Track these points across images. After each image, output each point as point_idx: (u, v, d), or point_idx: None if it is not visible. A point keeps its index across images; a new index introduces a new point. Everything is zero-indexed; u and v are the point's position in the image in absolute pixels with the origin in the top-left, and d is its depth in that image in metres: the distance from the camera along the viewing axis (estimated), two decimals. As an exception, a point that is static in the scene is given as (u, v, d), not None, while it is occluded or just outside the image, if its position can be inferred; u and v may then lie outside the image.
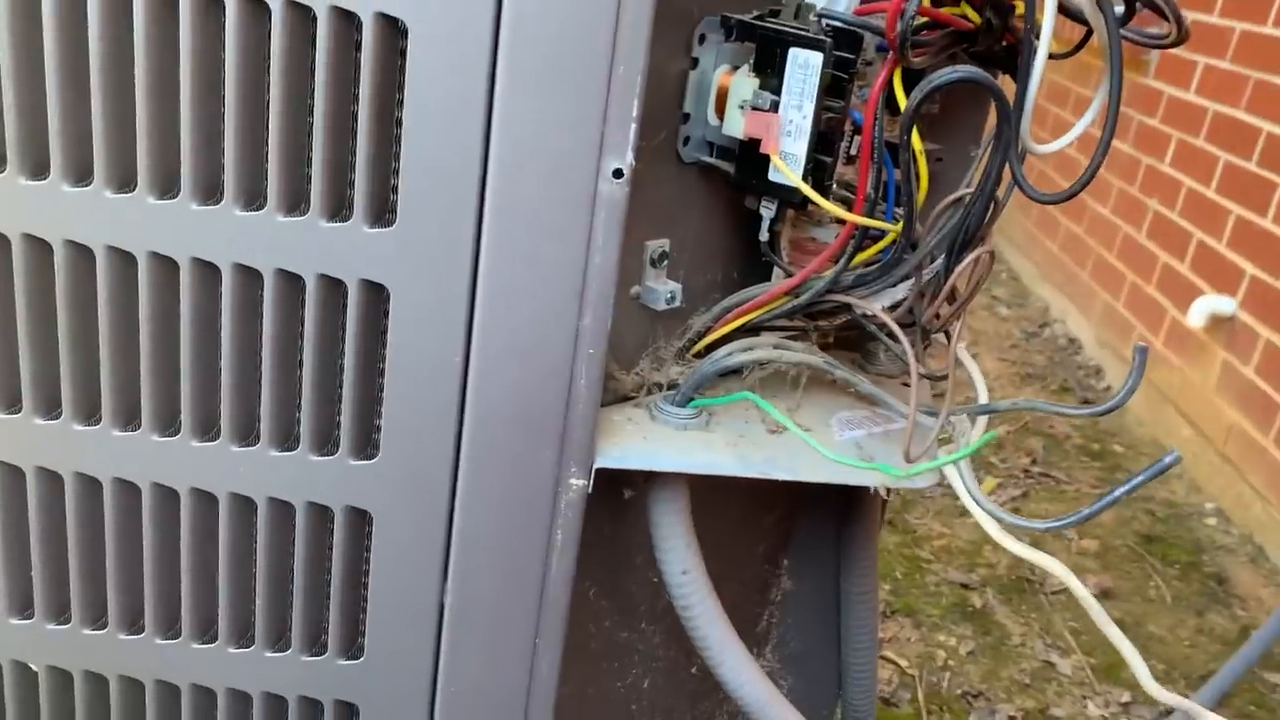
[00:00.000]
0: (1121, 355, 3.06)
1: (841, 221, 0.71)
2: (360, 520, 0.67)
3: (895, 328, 0.68)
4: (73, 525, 0.67)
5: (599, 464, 0.66)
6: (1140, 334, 2.96)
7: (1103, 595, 2.10)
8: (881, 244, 0.69)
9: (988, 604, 2.04)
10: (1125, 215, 3.14)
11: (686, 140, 0.69)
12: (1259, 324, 2.39)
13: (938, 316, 0.70)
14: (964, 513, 2.34)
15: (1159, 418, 2.79)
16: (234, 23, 0.56)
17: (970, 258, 0.65)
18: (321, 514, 0.66)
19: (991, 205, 0.64)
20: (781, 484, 0.88)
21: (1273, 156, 2.42)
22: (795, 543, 0.96)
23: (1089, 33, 0.62)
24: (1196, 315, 2.58)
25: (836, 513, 0.93)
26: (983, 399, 0.76)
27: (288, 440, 0.65)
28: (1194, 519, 2.43)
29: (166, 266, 0.61)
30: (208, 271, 0.61)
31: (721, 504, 0.83)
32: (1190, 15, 0.60)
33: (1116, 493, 0.62)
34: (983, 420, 0.72)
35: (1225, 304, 2.51)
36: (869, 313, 0.70)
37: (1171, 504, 2.48)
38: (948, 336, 0.73)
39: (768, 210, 0.69)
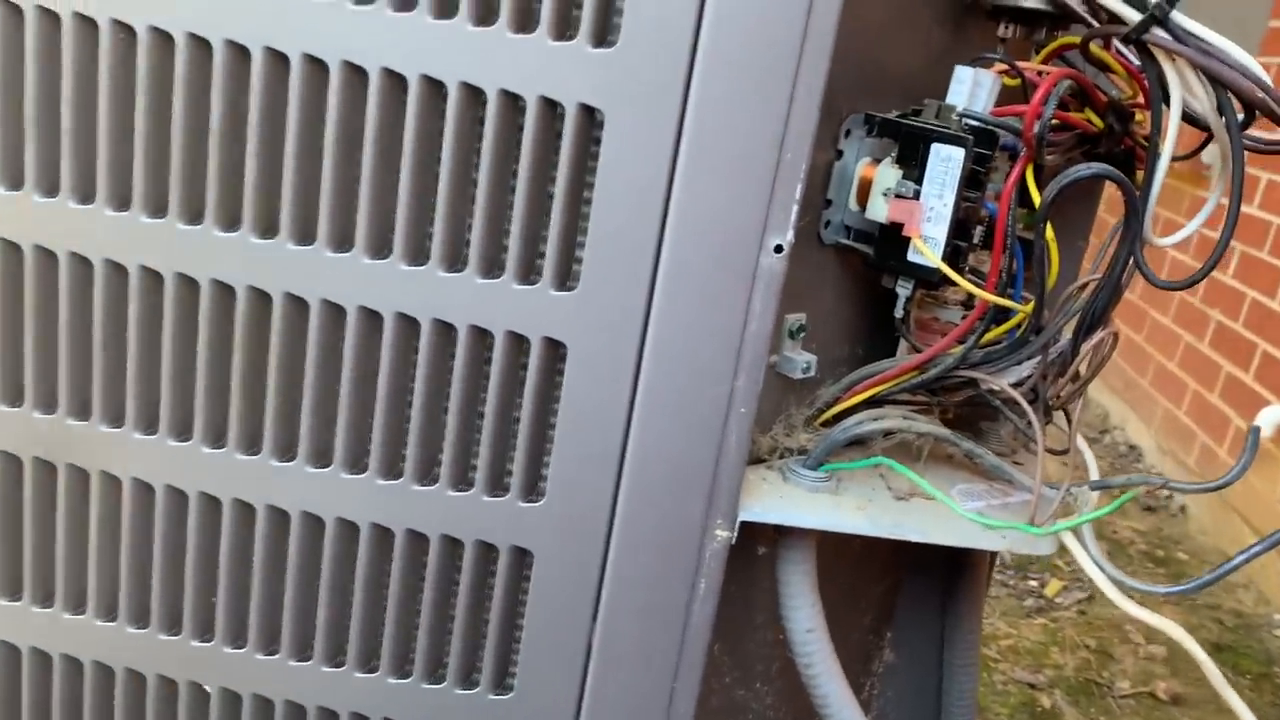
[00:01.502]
0: (1183, 463, 3.06)
1: (968, 305, 0.77)
2: (521, 560, 0.72)
3: (1023, 402, 0.73)
4: (225, 550, 0.73)
5: (741, 518, 0.71)
6: (1204, 442, 2.96)
7: (1173, 702, 2.08)
8: (1008, 325, 0.74)
9: (1055, 705, 2.03)
10: (1187, 325, 3.17)
11: (828, 224, 0.76)
12: (1328, 435, 2.39)
13: (1059, 396, 0.75)
14: (1029, 614, 2.35)
15: (1223, 527, 2.78)
16: (453, 109, 0.64)
17: (1095, 339, 0.70)
18: (487, 552, 0.72)
19: (1116, 291, 0.70)
20: (890, 556, 0.92)
21: (1339, 270, 2.46)
22: (900, 615, 0.99)
23: (1209, 137, 0.68)
24: (1263, 425, 2.58)
25: (942, 586, 0.97)
26: (1093, 475, 0.80)
27: (463, 482, 0.71)
28: (1264, 629, 2.40)
29: (371, 320, 0.68)
30: (408, 326, 0.68)
31: (832, 573, 0.87)
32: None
33: (1236, 560, 0.66)
34: (1094, 495, 0.77)
35: (1293, 414, 2.52)
36: (996, 387, 0.75)
37: (1240, 614, 2.46)
38: (1066, 415, 0.78)
39: (904, 289, 0.75)
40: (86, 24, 0.65)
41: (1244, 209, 2.94)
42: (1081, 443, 0.80)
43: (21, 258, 0.70)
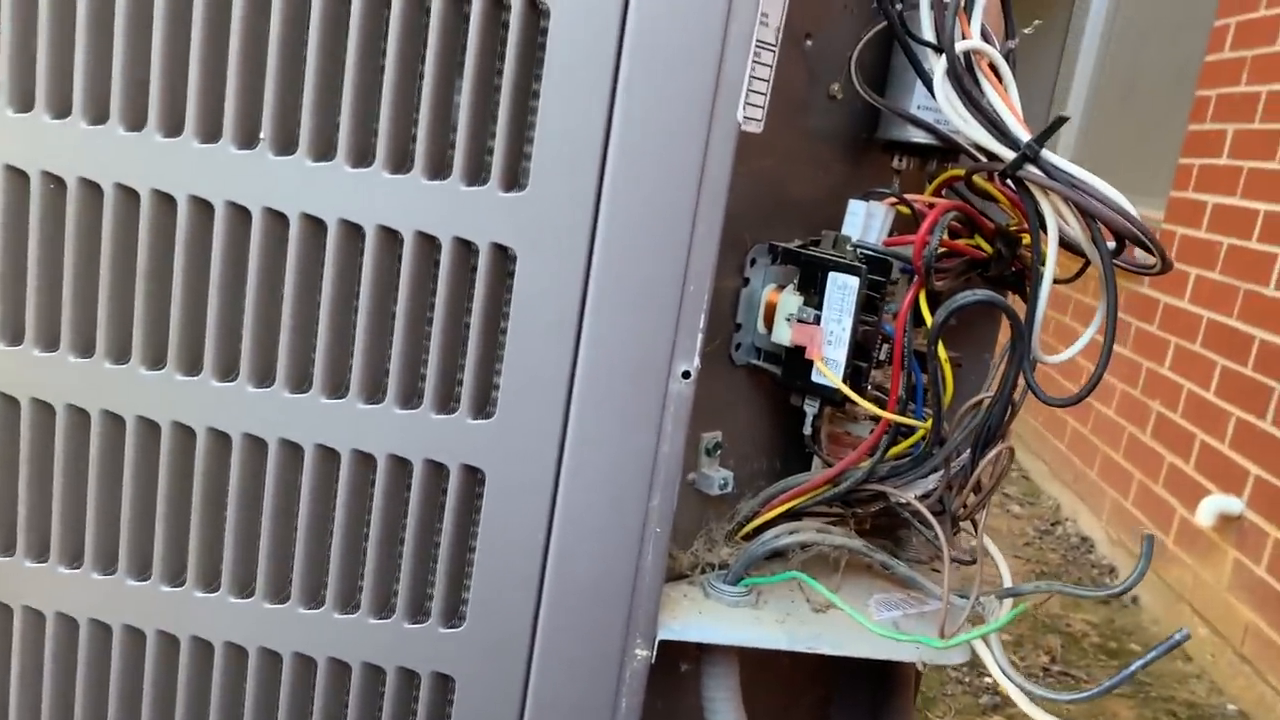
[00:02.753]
0: (1133, 553, 3.10)
1: (876, 419, 0.81)
2: (444, 686, 0.73)
3: (928, 514, 0.76)
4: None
5: (661, 636, 0.73)
6: (1150, 532, 3.01)
7: (1131, 799, 2.07)
8: (912, 439, 0.78)
9: (1014, 806, 2.02)
10: (1129, 416, 3.24)
11: (738, 346, 0.79)
12: (1267, 523, 2.45)
13: (965, 506, 0.78)
14: (985, 711, 2.34)
15: (1174, 616, 2.80)
16: (371, 250, 0.67)
17: (993, 453, 0.74)
18: (410, 679, 0.73)
19: (1009, 407, 0.74)
20: (819, 666, 0.94)
21: (1267, 362, 2.55)
22: (832, 723, 1.00)
23: (1087, 263, 0.73)
24: (1205, 514, 2.64)
25: (871, 695, 0.98)
26: (1007, 583, 0.83)
27: (384, 609, 0.72)
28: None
29: (292, 452, 0.70)
30: (328, 456, 0.70)
31: (760, 687, 0.88)
32: (1179, 230, 0.71)
33: (1133, 666, 0.68)
34: (1008, 601, 0.79)
35: (1232, 504, 2.58)
36: (903, 500, 0.78)
37: (1193, 704, 2.47)
38: (974, 524, 0.81)
39: (810, 408, 0.78)
40: (18, 175, 0.68)
41: (1176, 303, 3.05)
42: (993, 548, 0.83)
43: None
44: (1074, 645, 2.69)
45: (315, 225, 0.67)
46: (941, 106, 0.69)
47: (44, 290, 0.70)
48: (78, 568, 0.73)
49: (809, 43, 0.77)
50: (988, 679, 2.48)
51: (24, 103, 0.68)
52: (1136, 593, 2.97)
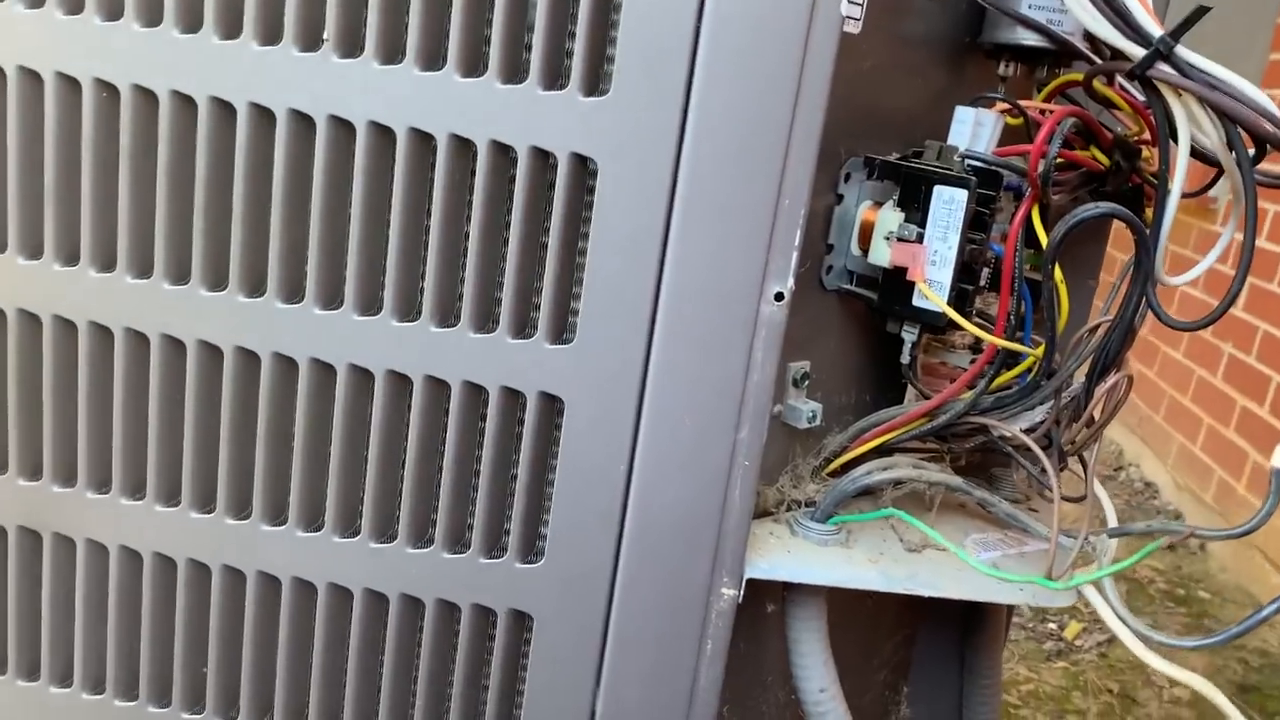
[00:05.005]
0: (1201, 499, 3.02)
1: (976, 348, 0.75)
2: (520, 624, 0.69)
3: (1036, 449, 0.71)
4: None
5: (748, 575, 0.69)
6: (1221, 478, 2.92)
7: (1201, 747, 2.02)
8: (1019, 369, 0.72)
9: (1080, 753, 1.98)
10: (1199, 359, 3.14)
11: (829, 269, 0.74)
12: (1348, 469, 2.35)
13: (1073, 441, 0.73)
14: (1050, 657, 2.30)
15: (1244, 565, 2.72)
16: (443, 162, 0.63)
17: (1110, 382, 0.68)
18: (484, 616, 0.69)
19: (1129, 333, 0.68)
20: (903, 608, 0.89)
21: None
22: (916, 669, 0.96)
23: (1219, 173, 0.67)
24: (1281, 459, 2.54)
25: (959, 638, 0.94)
26: (1112, 522, 0.78)
27: (458, 544, 0.68)
28: (1290, 670, 2.35)
29: (361, 378, 0.66)
30: (399, 383, 0.66)
31: (844, 628, 0.84)
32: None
33: (1266, 610, 0.63)
34: (1113, 542, 0.74)
35: (1311, 448, 2.48)
36: (1008, 434, 0.73)
37: (1266, 653, 2.40)
38: (1081, 460, 0.75)
39: (909, 334, 0.73)
40: (70, 84, 0.65)
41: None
42: (1099, 488, 0.78)
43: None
44: (1140, 592, 2.63)
45: (383, 135, 0.63)
46: (1068, 3, 0.62)
47: (99, 205, 0.66)
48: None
49: (911, -63, 0.71)
50: (1051, 624, 2.43)
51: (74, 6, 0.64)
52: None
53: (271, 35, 0.62)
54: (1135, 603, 2.57)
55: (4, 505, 0.71)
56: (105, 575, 0.72)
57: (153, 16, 0.63)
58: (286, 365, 0.66)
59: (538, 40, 0.61)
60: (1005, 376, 0.72)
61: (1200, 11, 0.60)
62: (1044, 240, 0.68)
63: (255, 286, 0.66)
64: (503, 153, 0.63)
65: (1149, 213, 0.72)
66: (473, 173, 0.63)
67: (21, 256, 0.67)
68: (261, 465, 0.68)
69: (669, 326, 0.64)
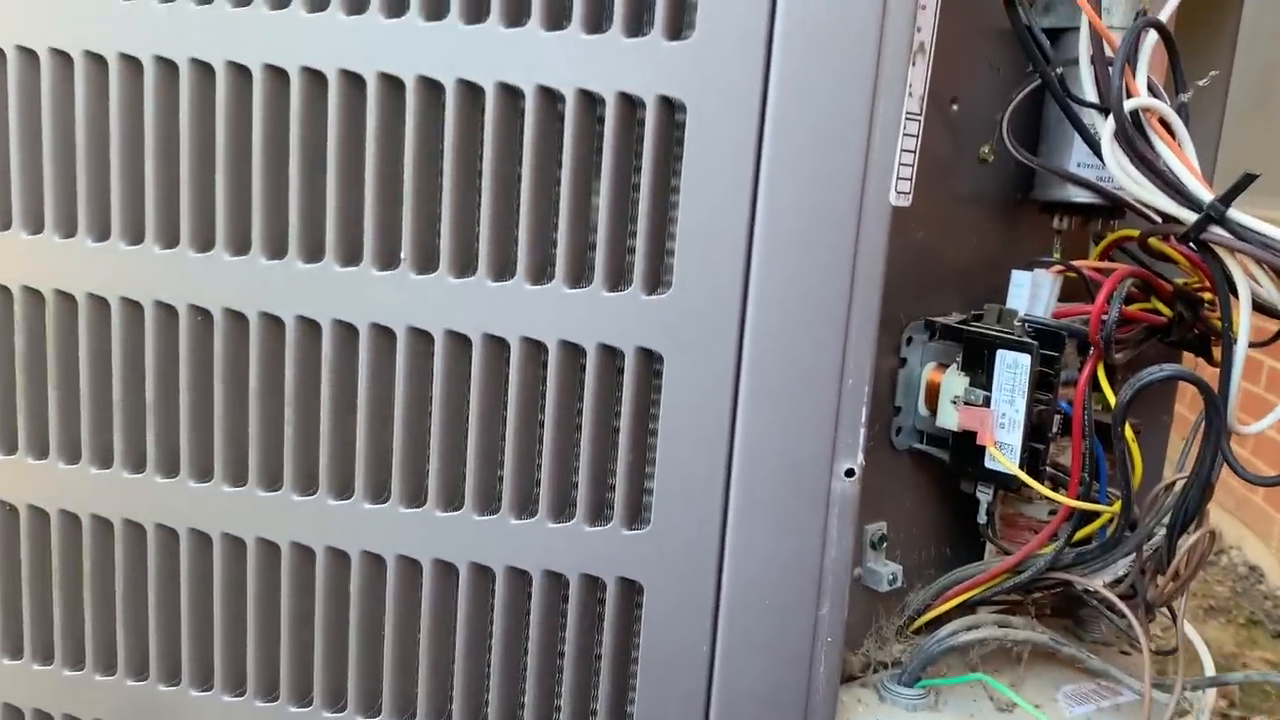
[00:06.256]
0: (1311, 583, 2.88)
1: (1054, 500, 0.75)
2: (612, 807, 0.70)
3: (1120, 604, 0.70)
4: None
5: (838, 748, 0.69)
6: (1331, 561, 2.79)
7: None
8: (1098, 523, 0.72)
9: None
10: (1295, 436, 3.03)
11: (899, 430, 0.75)
12: None
13: (1161, 594, 0.72)
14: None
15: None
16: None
17: (1192, 539, 0.67)
18: (576, 801, 0.70)
19: (1206, 488, 0.67)
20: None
21: None
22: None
23: (1285, 324, 0.66)
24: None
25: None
26: (1209, 670, 0.76)
27: (547, 729, 0.69)
28: None
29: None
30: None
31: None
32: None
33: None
34: (1212, 692, 0.72)
35: None
36: (1091, 589, 0.72)
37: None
38: (1170, 611, 0.74)
39: (984, 495, 0.73)
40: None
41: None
42: (1193, 633, 0.76)
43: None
44: (1254, 688, 2.51)
45: (459, 341, 0.66)
46: (1111, 171, 0.63)
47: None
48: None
49: (955, 107, 0.73)
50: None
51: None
52: (1318, 627, 2.75)
53: (353, 255, 0.66)
54: (1250, 699, 2.45)
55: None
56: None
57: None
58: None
59: (600, 243, 0.63)
60: (1085, 530, 0.72)
61: (1248, 179, 0.60)
62: (1111, 399, 0.68)
63: (343, 489, 0.68)
64: (573, 352, 0.65)
65: (1217, 352, 0.72)
66: (544, 369, 0.65)
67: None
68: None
69: (743, 507, 0.65)
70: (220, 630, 0.72)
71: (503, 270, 0.65)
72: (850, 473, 0.65)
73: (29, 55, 0.69)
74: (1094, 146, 0.66)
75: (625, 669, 0.69)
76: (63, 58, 0.68)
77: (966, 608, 0.77)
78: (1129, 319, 0.69)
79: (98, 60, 0.67)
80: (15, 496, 0.73)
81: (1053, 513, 0.75)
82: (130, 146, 0.68)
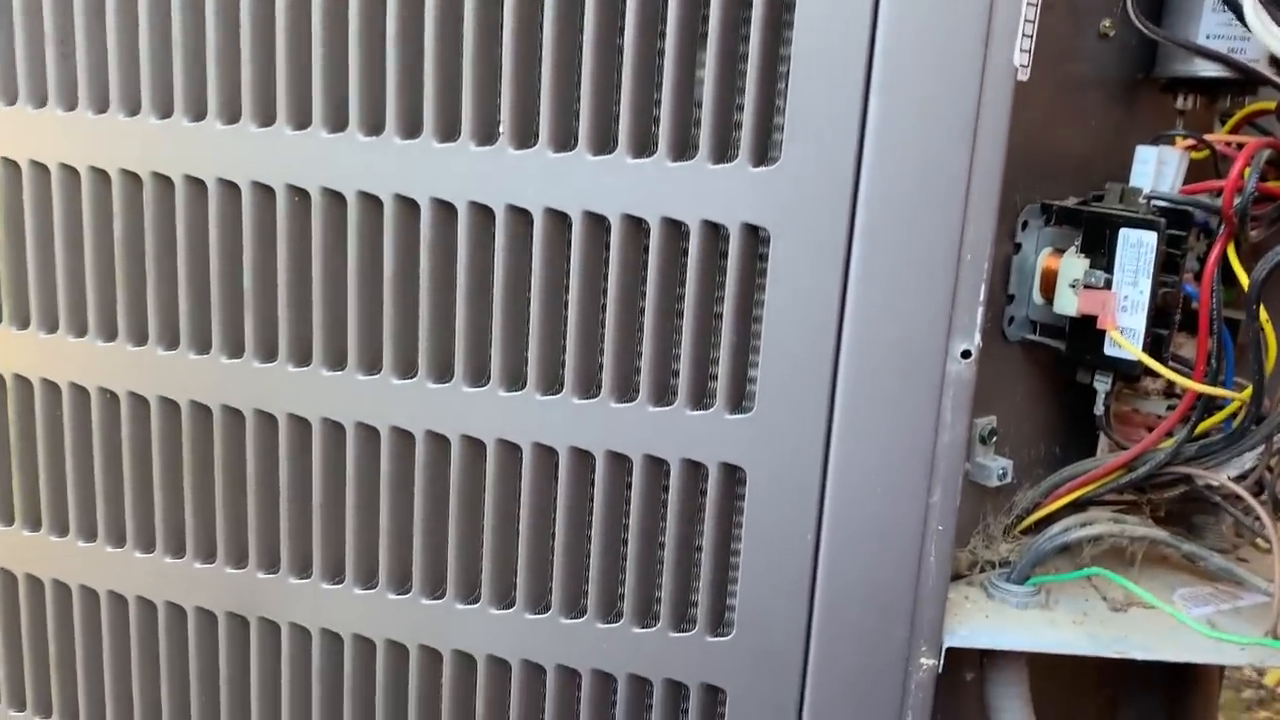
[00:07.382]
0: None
1: (1171, 393, 0.72)
2: (713, 699, 0.69)
3: (1249, 498, 0.67)
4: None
5: (947, 643, 0.66)
6: None
7: None
8: (1223, 414, 0.68)
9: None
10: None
11: (1011, 320, 0.72)
12: None
13: (1290, 487, 0.68)
14: (1250, 706, 2.15)
15: None
16: (616, 241, 0.64)
17: (1330, 425, 0.64)
18: (676, 691, 0.69)
19: (1348, 371, 0.63)
20: (1104, 671, 0.85)
21: None
22: (1121, 731, 0.91)
23: None
24: None
25: (1165, 701, 0.88)
26: (1338, 573, 0.72)
27: (646, 617, 0.68)
28: None
29: (546, 456, 0.67)
30: (582, 460, 0.67)
31: (1042, 694, 0.80)
32: None
33: None
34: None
35: None
36: (1215, 483, 0.68)
37: None
38: (1299, 507, 0.70)
39: (1102, 384, 0.70)
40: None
41: None
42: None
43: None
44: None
45: (559, 220, 0.64)
46: (1257, 34, 0.59)
47: (295, 303, 0.69)
48: (339, 583, 0.72)
49: (1075, -23, 0.69)
50: (1249, 671, 2.28)
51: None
52: None
53: (450, 132, 0.65)
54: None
55: (215, 592, 0.75)
56: (308, 657, 0.74)
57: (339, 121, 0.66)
58: (474, 447, 0.68)
59: (705, 115, 0.61)
60: (1208, 423, 0.69)
61: None
62: (1242, 278, 0.64)
63: (443, 373, 0.68)
64: (675, 228, 0.63)
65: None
66: (645, 248, 0.64)
67: (224, 355, 0.71)
68: (453, 545, 0.70)
69: (852, 391, 0.63)
70: (319, 517, 0.71)
71: (603, 145, 0.63)
72: (966, 354, 0.62)
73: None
74: (1236, 8, 0.61)
75: (726, 559, 0.67)
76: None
77: (1077, 506, 0.74)
78: (1264, 195, 0.65)
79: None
80: (117, 384, 0.73)
81: (1171, 408, 0.72)
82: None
